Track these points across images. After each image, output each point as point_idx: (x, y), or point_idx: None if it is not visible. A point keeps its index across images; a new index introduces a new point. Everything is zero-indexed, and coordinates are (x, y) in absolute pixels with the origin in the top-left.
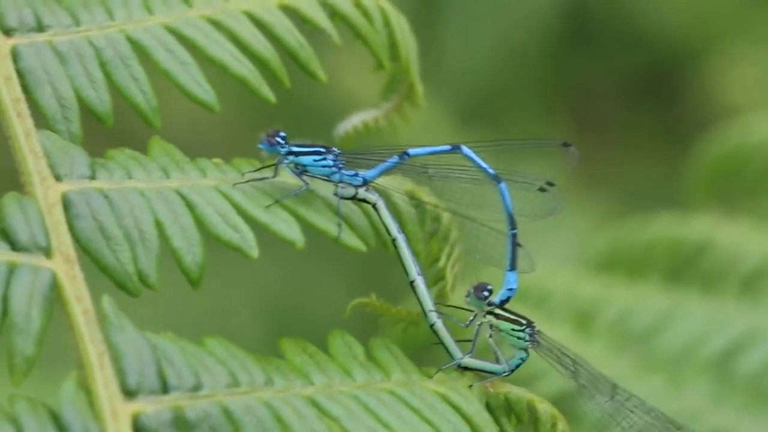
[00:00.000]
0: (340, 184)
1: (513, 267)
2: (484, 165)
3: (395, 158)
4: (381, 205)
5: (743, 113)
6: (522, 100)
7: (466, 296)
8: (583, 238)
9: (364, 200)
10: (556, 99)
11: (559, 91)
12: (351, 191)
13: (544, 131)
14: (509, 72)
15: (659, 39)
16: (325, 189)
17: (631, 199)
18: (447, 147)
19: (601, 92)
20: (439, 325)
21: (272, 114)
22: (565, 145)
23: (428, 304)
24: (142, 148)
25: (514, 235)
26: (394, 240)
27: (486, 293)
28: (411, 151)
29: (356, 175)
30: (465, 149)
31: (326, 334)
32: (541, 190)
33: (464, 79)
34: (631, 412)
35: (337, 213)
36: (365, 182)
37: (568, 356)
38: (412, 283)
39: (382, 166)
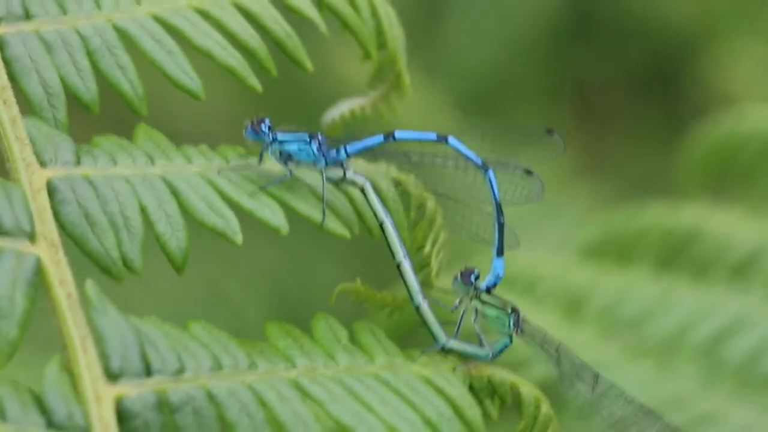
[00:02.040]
0: (326, 169)
1: (500, 253)
2: (470, 155)
3: (380, 137)
4: (368, 187)
5: (740, 104)
6: (523, 91)
7: (453, 281)
8: (576, 225)
9: (352, 182)
10: (557, 89)
11: (560, 81)
12: (339, 173)
13: (545, 122)
14: (511, 63)
15: (661, 31)
16: (310, 176)
17: (630, 187)
18: (433, 136)
19: (603, 83)
20: (425, 307)
21: (268, 103)
22: (549, 132)
23: (414, 286)
24: (129, 135)
25: (501, 224)
26: (381, 223)
27: (473, 278)
28: (398, 133)
29: (338, 150)
30: (451, 140)
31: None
32: (527, 172)
33: (466, 70)
34: (612, 402)
35: (321, 200)
36: (348, 155)
37: (551, 343)
38: (398, 265)
39: (366, 141)
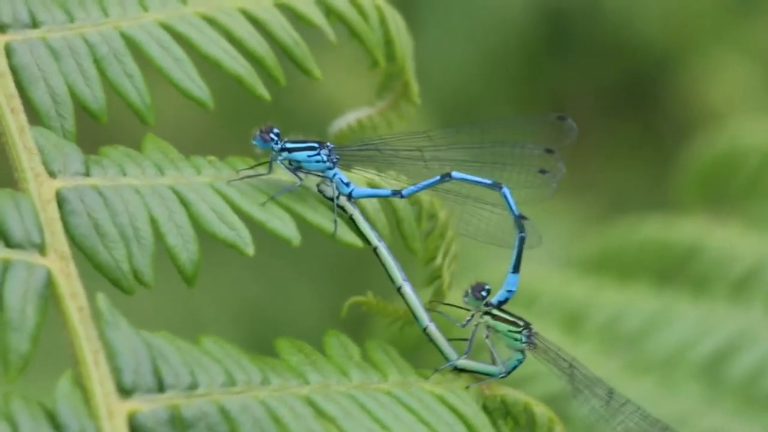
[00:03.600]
0: (326, 181)
1: (516, 269)
2: (480, 180)
3: (388, 191)
4: (357, 216)
5: (722, 119)
6: (500, 108)
7: (464, 296)
8: (568, 241)
9: (342, 209)
10: (534, 106)
11: (537, 98)
12: (333, 192)
13: (522, 137)
14: (487, 79)
15: (638, 45)
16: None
17: (614, 203)
18: (437, 178)
19: (581, 99)
20: (432, 328)
21: (268, 113)
22: (561, 118)
23: (419, 309)
24: (134, 144)
25: (521, 239)
26: (375, 249)
27: (484, 293)
28: (405, 191)
29: (348, 184)
30: (455, 174)
31: (305, 340)
32: (542, 172)
33: (442, 87)
34: (627, 417)
35: (332, 210)
36: (350, 196)
37: (564, 359)
38: (399, 289)
39: (373, 191)
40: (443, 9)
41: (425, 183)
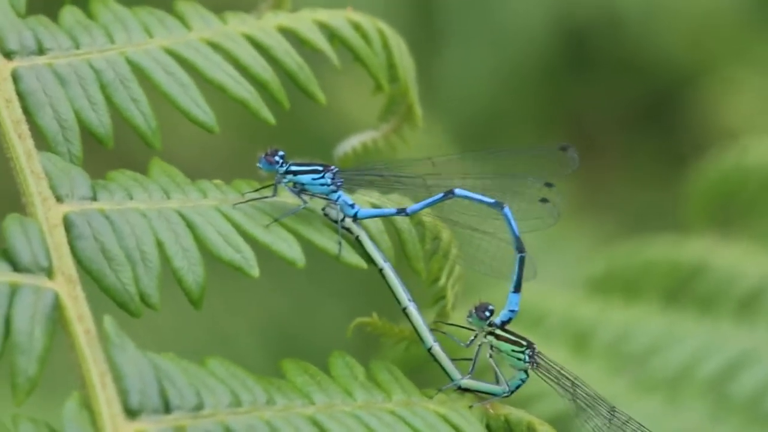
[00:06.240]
0: (331, 204)
1: (517, 289)
2: (482, 198)
3: (393, 210)
4: (364, 237)
5: (741, 137)
6: (520, 125)
7: (468, 316)
8: (581, 260)
9: (348, 230)
10: (554, 124)
11: (557, 115)
12: (338, 215)
13: (526, 166)
14: (507, 96)
15: (658, 64)
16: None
17: (631, 222)
18: (440, 195)
19: (600, 117)
20: (437, 348)
21: (275, 136)
22: (563, 148)
23: (423, 329)
24: (142, 169)
25: (521, 259)
26: (381, 270)
27: (488, 313)
28: (409, 209)
29: (353, 206)
30: (458, 191)
31: (328, 356)
32: (542, 201)
33: (463, 104)
34: None
35: (337, 231)
36: (355, 217)
37: (567, 378)
38: (404, 309)
39: (378, 211)
40: (464, 26)
41: (428, 200)
